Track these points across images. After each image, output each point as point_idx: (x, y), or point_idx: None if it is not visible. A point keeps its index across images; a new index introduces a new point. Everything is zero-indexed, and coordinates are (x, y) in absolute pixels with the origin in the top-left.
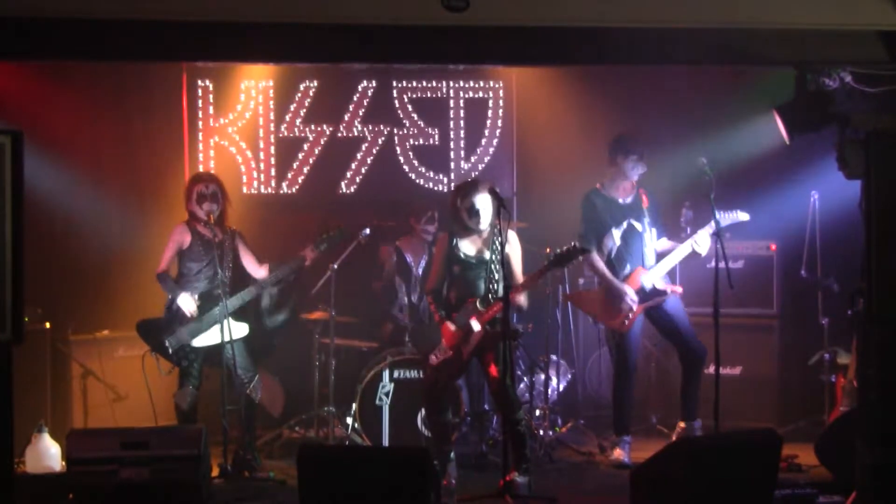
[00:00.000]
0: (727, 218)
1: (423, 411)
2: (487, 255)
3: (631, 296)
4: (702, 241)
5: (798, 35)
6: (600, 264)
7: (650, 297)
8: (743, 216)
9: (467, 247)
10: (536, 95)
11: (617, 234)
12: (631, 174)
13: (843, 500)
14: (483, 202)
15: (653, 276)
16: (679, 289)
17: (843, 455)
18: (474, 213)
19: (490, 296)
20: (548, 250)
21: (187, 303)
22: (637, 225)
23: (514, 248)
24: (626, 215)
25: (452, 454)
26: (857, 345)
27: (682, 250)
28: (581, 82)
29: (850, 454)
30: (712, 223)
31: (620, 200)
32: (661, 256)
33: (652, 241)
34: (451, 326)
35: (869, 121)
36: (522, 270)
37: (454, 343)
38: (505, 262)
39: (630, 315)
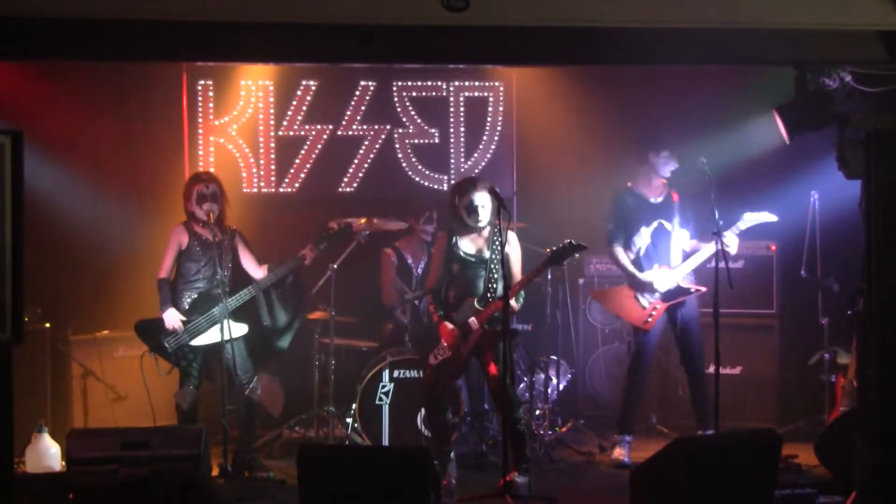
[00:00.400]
0: (753, 218)
1: (423, 411)
2: (487, 254)
3: (657, 284)
4: (730, 241)
5: (798, 35)
6: (624, 259)
7: (674, 295)
8: (770, 217)
9: (467, 245)
10: (536, 95)
11: (646, 232)
12: (662, 171)
13: (843, 500)
14: (482, 199)
15: (677, 275)
16: (703, 288)
17: (843, 455)
18: (473, 211)
19: (489, 295)
20: (547, 250)
21: (171, 319)
22: (667, 225)
23: (513, 248)
24: (656, 215)
25: (452, 454)
26: (857, 345)
27: (708, 250)
28: (581, 82)
29: (850, 454)
30: (738, 224)
31: (651, 199)
32: (688, 256)
33: (681, 241)
34: (449, 326)
35: (869, 121)
36: (522, 270)
37: (452, 342)
38: (504, 262)
39: (653, 313)
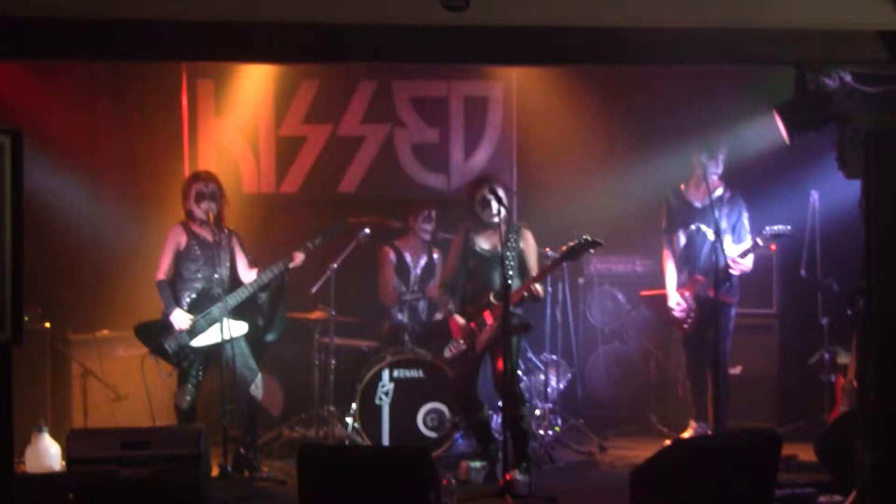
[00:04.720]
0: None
1: (461, 415)
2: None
3: (676, 303)
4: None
5: (798, 35)
6: (665, 264)
7: (705, 303)
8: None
9: (482, 241)
10: (536, 95)
11: (683, 235)
12: (707, 174)
13: (843, 500)
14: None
15: (707, 283)
16: (729, 298)
17: (843, 455)
18: (487, 205)
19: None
20: (547, 250)
21: (180, 320)
22: (706, 230)
23: (528, 244)
24: (694, 219)
25: (500, 453)
26: (857, 345)
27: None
28: (581, 82)
29: (850, 454)
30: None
31: (695, 203)
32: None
33: (720, 248)
34: (460, 320)
35: (869, 121)
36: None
37: (464, 336)
38: (521, 259)
39: (689, 320)
